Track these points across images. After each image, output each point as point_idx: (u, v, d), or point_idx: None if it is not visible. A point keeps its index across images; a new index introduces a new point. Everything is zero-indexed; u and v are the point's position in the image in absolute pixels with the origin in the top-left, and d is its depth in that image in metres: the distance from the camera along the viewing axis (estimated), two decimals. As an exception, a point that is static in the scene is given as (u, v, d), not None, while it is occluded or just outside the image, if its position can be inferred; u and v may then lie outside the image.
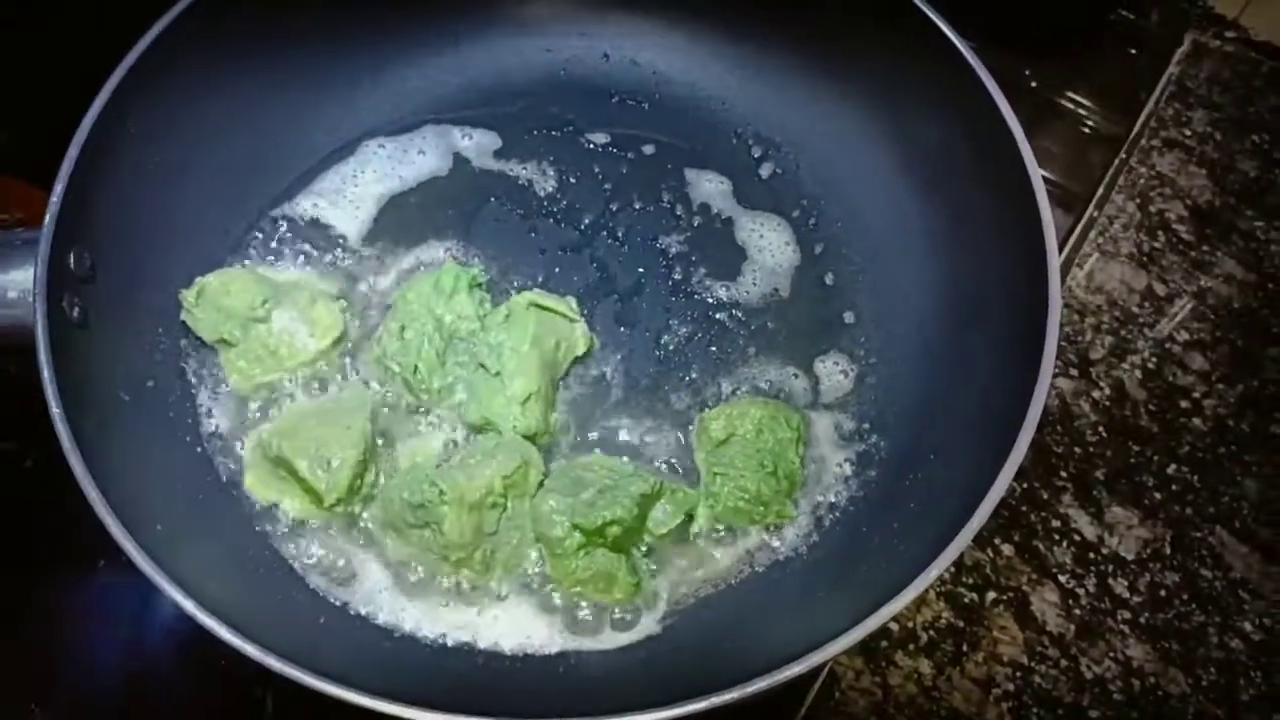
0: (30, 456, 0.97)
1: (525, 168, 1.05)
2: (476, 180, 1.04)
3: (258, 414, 0.90)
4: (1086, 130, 1.23)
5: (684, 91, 1.09)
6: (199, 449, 0.87)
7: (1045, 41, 1.29)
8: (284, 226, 0.99)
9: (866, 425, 0.93)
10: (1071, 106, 1.25)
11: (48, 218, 0.78)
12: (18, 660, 0.91)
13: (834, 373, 0.96)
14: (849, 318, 0.99)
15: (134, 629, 0.91)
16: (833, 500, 0.90)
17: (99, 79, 0.84)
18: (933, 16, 0.91)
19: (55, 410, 0.73)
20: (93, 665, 0.91)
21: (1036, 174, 0.85)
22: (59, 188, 0.80)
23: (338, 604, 0.83)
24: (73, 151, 0.81)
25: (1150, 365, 1.08)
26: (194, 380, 0.90)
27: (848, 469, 0.91)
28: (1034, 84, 1.26)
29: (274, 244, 0.98)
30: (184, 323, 0.90)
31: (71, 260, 0.80)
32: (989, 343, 0.88)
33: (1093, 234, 1.16)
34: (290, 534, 0.85)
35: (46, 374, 0.74)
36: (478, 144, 1.06)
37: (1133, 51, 1.29)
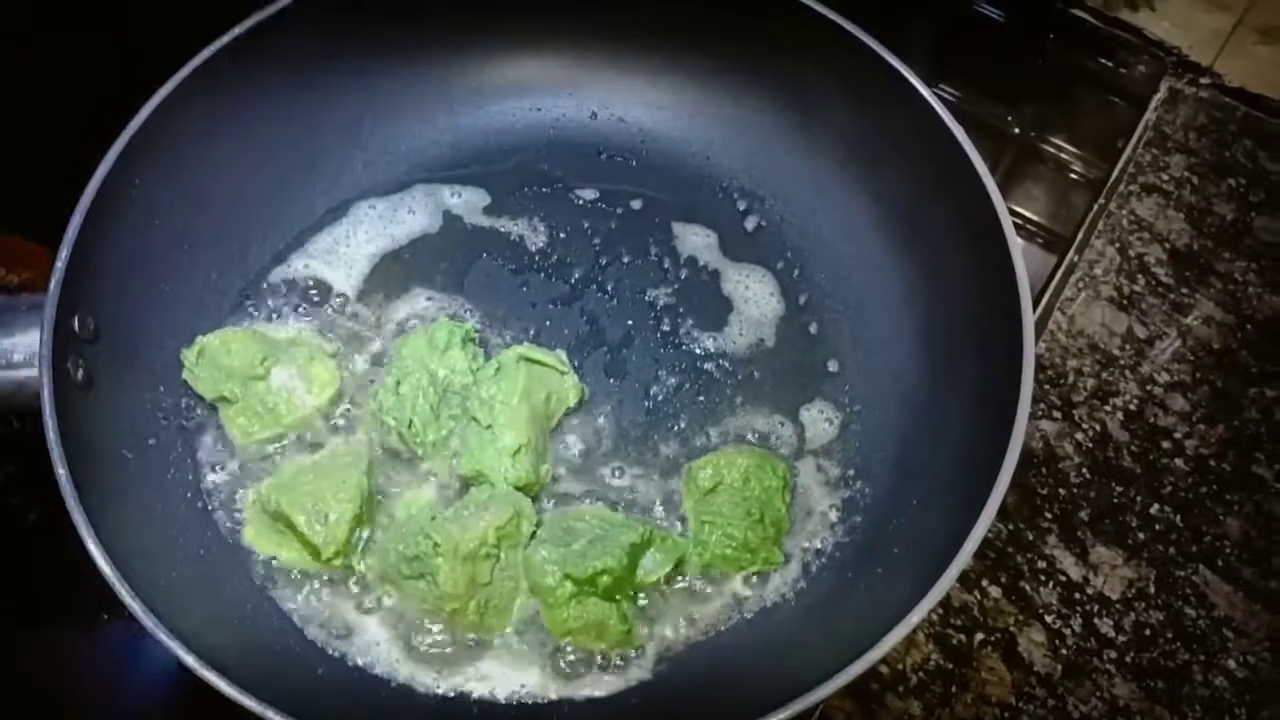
0: (34, 510, 0.99)
1: (516, 224, 1.08)
2: (468, 237, 1.07)
3: (258, 469, 0.92)
4: (1069, 175, 1.26)
5: (670, 147, 1.12)
6: (200, 504, 0.90)
7: (1027, 89, 1.32)
8: (281, 286, 1.01)
9: (851, 472, 0.95)
10: (1054, 152, 1.28)
11: (53, 283, 0.81)
12: (21, 714, 0.93)
13: (819, 421, 0.98)
14: (833, 366, 1.01)
15: (137, 682, 0.93)
16: (819, 546, 0.92)
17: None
18: (905, 73, 0.95)
19: (61, 471, 0.75)
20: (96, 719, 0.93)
21: (1009, 225, 0.87)
22: (64, 253, 0.82)
23: (336, 655, 0.85)
24: (77, 217, 0.84)
25: (1132, 407, 1.10)
26: (195, 437, 0.92)
27: (834, 515, 0.93)
28: (1016, 130, 1.29)
29: (272, 303, 1.00)
30: (185, 381, 0.92)
31: (76, 323, 0.83)
32: (967, 390, 0.90)
33: (1074, 278, 1.18)
34: (289, 587, 0.87)
35: (52, 436, 0.76)
36: (467, 201, 1.08)
37: (1111, 98, 1.32)
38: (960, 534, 0.76)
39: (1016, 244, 0.86)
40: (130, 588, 0.72)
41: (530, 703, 0.84)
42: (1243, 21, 1.34)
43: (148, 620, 0.71)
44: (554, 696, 0.84)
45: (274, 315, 1.00)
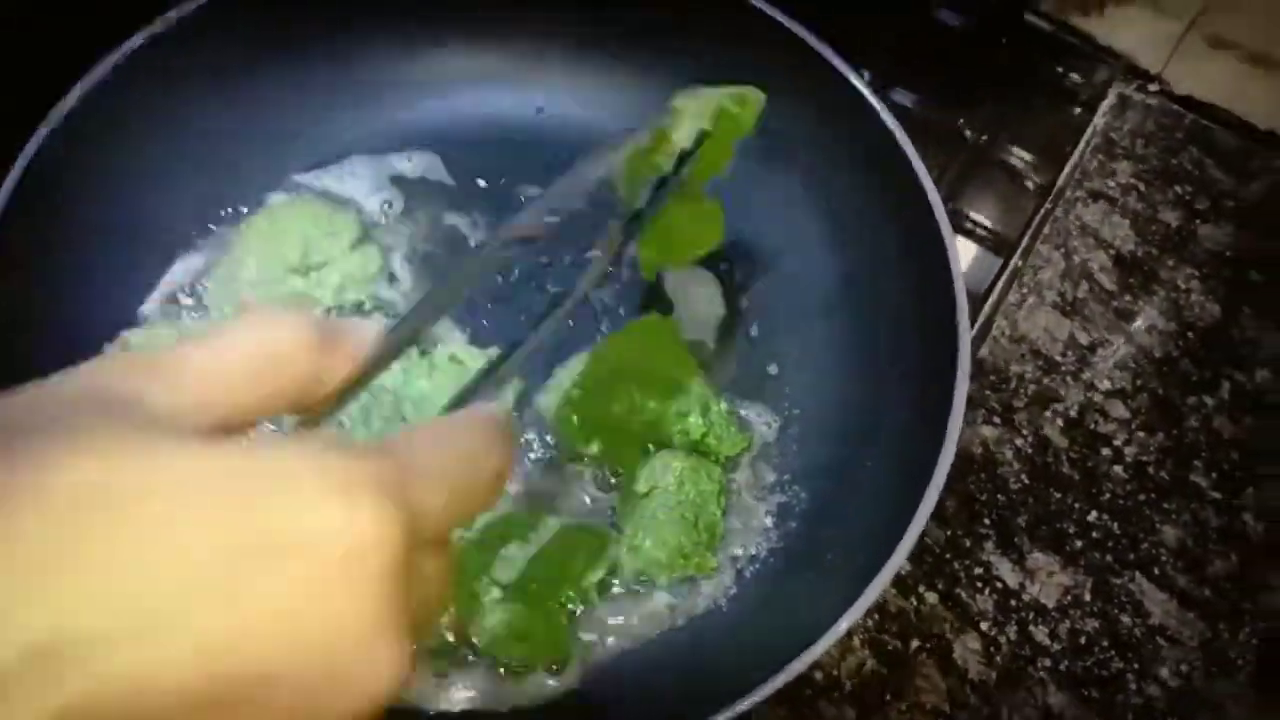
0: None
1: (455, 220, 1.06)
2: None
3: (180, 469, 0.89)
4: (1020, 181, 1.26)
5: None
6: (120, 505, 0.87)
7: (981, 95, 1.32)
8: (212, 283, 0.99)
9: (788, 476, 0.95)
10: (1005, 157, 1.28)
11: (-35, 275, 0.79)
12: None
13: (758, 424, 0.97)
14: (773, 369, 1.00)
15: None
16: (753, 552, 0.91)
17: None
18: (850, 76, 0.94)
19: (-31, 469, 0.73)
20: None
21: (947, 228, 0.87)
22: (-21, 244, 0.80)
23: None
24: (-5, 207, 0.82)
25: (1073, 413, 1.10)
26: (116, 436, 0.90)
27: (768, 521, 0.93)
28: (967, 133, 1.29)
29: (201, 300, 0.98)
30: (108, 379, 0.90)
31: (-6, 318, 0.81)
32: (905, 396, 0.90)
33: (1018, 283, 1.18)
34: (209, 590, 0.85)
35: (-39, 434, 0.74)
36: (404, 199, 1.07)
37: (1062, 104, 1.33)
38: (891, 542, 0.76)
39: (954, 247, 0.86)
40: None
41: (452, 713, 0.82)
42: (1192, 28, 1.34)
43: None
44: (477, 706, 0.83)
45: (203, 313, 0.97)
